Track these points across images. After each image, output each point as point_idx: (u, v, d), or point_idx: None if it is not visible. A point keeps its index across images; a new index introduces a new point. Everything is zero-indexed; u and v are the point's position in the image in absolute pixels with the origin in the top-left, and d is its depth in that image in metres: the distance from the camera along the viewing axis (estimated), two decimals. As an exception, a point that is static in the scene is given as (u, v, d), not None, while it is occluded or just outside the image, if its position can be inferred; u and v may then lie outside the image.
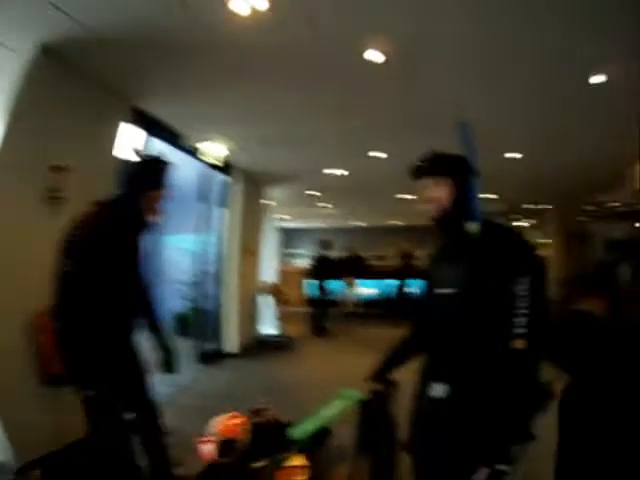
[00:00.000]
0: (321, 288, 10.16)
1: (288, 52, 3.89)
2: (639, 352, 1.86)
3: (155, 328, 2.62)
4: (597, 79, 4.41)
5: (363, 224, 18.45)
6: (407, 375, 1.97)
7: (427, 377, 1.75)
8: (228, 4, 3.04)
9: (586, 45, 3.74)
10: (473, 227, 1.69)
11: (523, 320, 1.46)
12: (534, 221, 17.80)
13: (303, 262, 13.70)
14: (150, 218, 2.40)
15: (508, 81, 4.57)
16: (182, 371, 2.62)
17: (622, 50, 3.82)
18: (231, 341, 7.58)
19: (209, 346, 7.18)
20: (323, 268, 10.29)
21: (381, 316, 11.67)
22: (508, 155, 7.26)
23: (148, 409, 2.53)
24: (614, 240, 12.11)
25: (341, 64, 4.17)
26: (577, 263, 18.26)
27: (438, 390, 1.64)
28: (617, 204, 14.17)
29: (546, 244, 18.80)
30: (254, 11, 3.13)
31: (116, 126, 4.31)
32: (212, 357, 7.04)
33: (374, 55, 3.91)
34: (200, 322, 7.11)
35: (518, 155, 7.34)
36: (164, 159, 2.49)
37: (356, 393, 2.05)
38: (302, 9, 3.25)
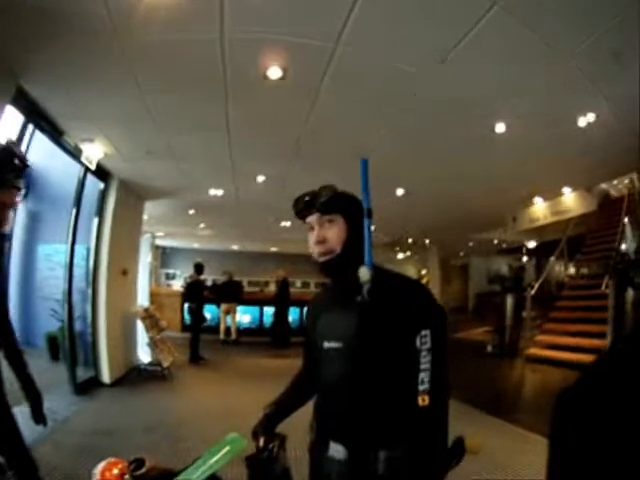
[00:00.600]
0: (196, 314, 9.57)
1: (189, 57, 3.58)
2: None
3: (17, 365, 2.12)
4: (499, 128, 4.90)
5: (240, 248, 18.30)
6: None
7: (323, 433, 1.57)
8: None
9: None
10: (366, 273, 1.46)
11: (427, 375, 1.35)
12: (413, 254, 18.69)
13: (179, 283, 12.95)
14: None
15: (403, 116, 4.69)
16: (56, 402, 2.06)
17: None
18: (104, 369, 6.72)
19: (82, 373, 6.31)
20: (197, 292, 9.70)
21: (260, 344, 11.59)
22: (399, 192, 7.47)
23: (19, 451, 2.10)
24: (496, 273, 13.14)
25: (244, 78, 3.92)
26: (457, 293, 19.78)
27: (337, 451, 1.48)
28: (497, 241, 15.55)
29: (426, 275, 19.85)
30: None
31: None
32: (87, 386, 6.22)
33: (275, 72, 3.77)
34: (72, 345, 6.16)
35: (401, 191, 7.59)
36: (13, 148, 1.89)
37: (243, 440, 1.68)
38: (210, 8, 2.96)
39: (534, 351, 8.92)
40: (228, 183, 7.69)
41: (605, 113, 4.73)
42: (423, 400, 1.33)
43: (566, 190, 9.14)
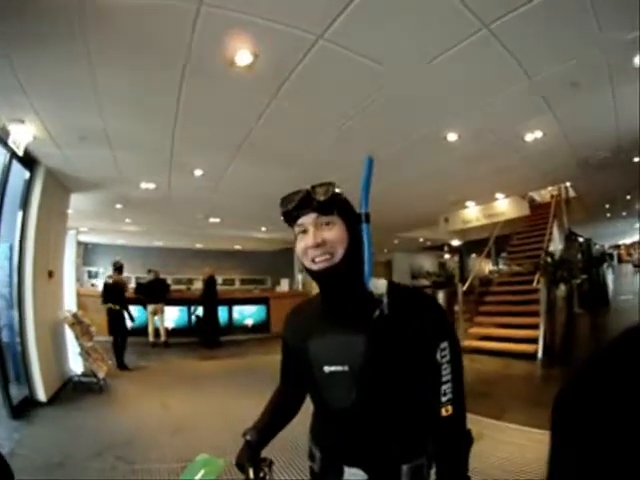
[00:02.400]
0: (119, 317, 8.85)
1: (155, 28, 3.18)
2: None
3: None
4: (451, 137, 5.26)
5: (165, 245, 17.69)
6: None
7: (332, 460, 1.42)
8: None
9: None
10: (382, 285, 1.36)
11: (449, 386, 1.30)
12: None
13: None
14: None
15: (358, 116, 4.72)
16: None
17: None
18: (38, 385, 5.94)
19: (16, 392, 5.56)
20: (118, 294, 8.97)
21: (190, 345, 11.27)
22: (337, 190, 7.52)
23: None
24: (419, 269, 14.41)
25: (208, 61, 3.64)
26: None
27: (355, 474, 1.36)
28: (422, 239, 16.12)
29: None
30: None
31: None
32: (23, 407, 5.51)
33: (244, 57, 3.54)
34: (1, 359, 5.36)
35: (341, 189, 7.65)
36: None
37: (218, 461, 1.62)
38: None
39: (469, 343, 9.24)
40: (162, 176, 7.27)
41: (552, 132, 5.27)
42: (447, 410, 1.29)
43: (499, 196, 9.97)
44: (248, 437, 1.52)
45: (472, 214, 10.96)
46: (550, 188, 11.05)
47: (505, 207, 10.45)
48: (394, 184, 7.36)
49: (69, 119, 4.83)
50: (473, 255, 12.86)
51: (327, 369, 1.38)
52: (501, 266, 12.90)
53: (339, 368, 1.36)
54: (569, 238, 10.98)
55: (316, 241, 1.32)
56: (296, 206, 1.37)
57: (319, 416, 1.49)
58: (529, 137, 5.42)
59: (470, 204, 10.62)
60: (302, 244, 1.36)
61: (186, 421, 5.37)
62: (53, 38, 3.24)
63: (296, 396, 1.65)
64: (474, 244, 13.20)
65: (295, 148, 5.76)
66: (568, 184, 10.01)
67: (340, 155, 5.81)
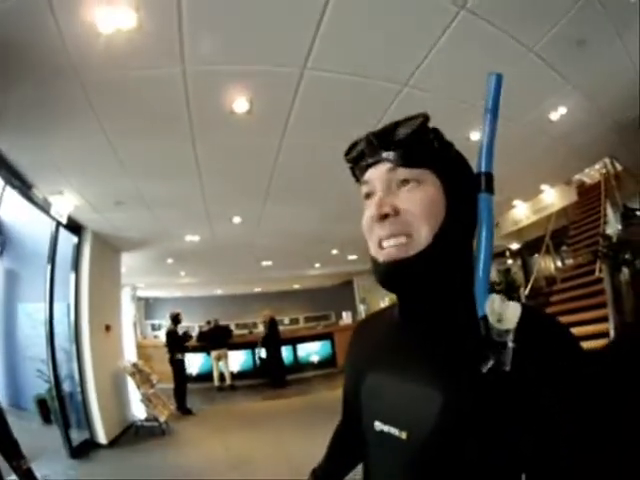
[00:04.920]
0: (180, 363, 9.24)
1: (152, 95, 3.42)
2: None
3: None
4: (474, 136, 4.68)
5: (224, 292, 18.12)
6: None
7: None
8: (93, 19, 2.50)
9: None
10: (506, 313, 0.69)
11: None
12: None
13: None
14: None
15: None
16: (52, 467, 1.83)
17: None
18: (99, 429, 6.35)
19: (77, 435, 5.94)
20: (173, 343, 9.37)
21: (256, 387, 11.26)
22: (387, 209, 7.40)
23: None
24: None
25: (209, 114, 3.80)
26: None
27: None
28: None
29: None
30: (119, 33, 2.64)
31: None
32: (83, 449, 5.85)
33: (241, 105, 3.66)
34: (62, 407, 5.81)
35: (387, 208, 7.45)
36: None
37: None
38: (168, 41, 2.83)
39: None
40: (203, 227, 7.51)
41: (576, 103, 4.74)
42: None
43: (544, 187, 9.20)
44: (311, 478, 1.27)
45: (521, 213, 10.35)
46: (597, 167, 10.05)
47: (552, 198, 9.77)
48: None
49: (102, 187, 5.23)
50: (535, 255, 12.08)
51: (378, 426, 0.86)
52: (566, 260, 12.09)
53: (393, 431, 0.82)
54: (626, 215, 9.58)
55: (381, 211, 0.80)
56: (359, 152, 0.88)
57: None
58: (554, 116, 4.91)
59: (517, 202, 9.95)
60: (366, 215, 0.85)
61: (246, 460, 5.44)
62: (70, 118, 3.61)
63: (357, 437, 1.00)
64: (533, 243, 12.38)
65: (320, 181, 5.76)
66: (608, 159, 9.27)
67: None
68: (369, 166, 0.85)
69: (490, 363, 0.68)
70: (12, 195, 4.61)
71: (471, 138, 4.57)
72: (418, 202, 0.78)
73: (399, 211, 0.79)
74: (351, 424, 1.05)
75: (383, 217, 0.79)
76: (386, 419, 0.84)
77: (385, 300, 20.94)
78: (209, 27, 2.79)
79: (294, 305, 19.95)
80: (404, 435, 0.79)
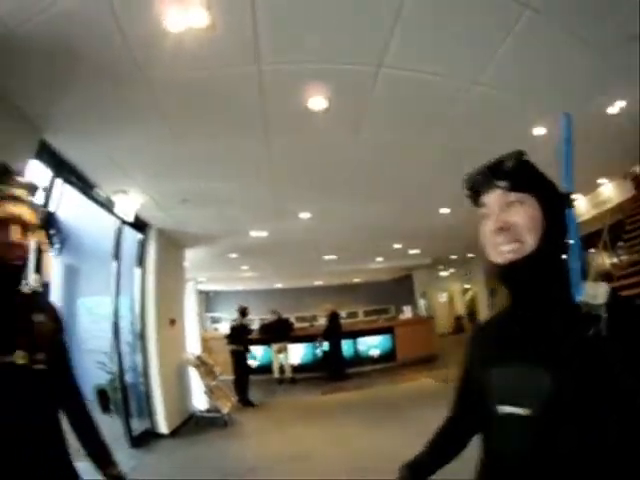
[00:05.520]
0: (242, 356, 9.45)
1: (225, 95, 3.43)
2: None
3: (88, 435, 1.75)
4: (538, 131, 4.60)
5: (284, 286, 18.28)
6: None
7: None
8: (161, 19, 2.50)
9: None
10: (602, 293, 0.93)
11: None
12: (456, 270, 18.32)
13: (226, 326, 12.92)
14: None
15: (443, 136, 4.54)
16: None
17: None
18: (161, 419, 6.58)
19: (137, 425, 6.20)
20: (240, 335, 9.58)
21: (316, 379, 11.35)
22: (442, 211, 7.46)
23: None
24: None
25: (285, 112, 3.78)
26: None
27: None
28: None
29: (470, 290, 19.36)
30: (189, 30, 2.62)
31: (23, 162, 3.44)
32: (144, 438, 6.09)
33: (317, 103, 3.62)
34: (124, 397, 6.08)
35: (447, 210, 7.46)
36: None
37: None
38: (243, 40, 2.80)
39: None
40: (270, 223, 7.61)
41: (633, 97, 4.53)
42: None
43: (602, 180, 9.04)
44: (401, 474, 1.37)
45: (580, 207, 9.94)
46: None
47: (610, 191, 9.55)
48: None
49: (168, 185, 5.37)
50: (592, 250, 11.56)
51: (501, 409, 1.04)
52: (622, 257, 11.56)
53: (517, 410, 1.00)
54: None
55: (497, 225, 1.05)
56: (475, 183, 1.14)
57: (488, 467, 1.14)
58: (611, 110, 4.79)
59: (575, 196, 9.64)
60: (485, 229, 1.11)
61: (304, 452, 5.50)
62: (137, 119, 3.71)
63: (466, 428, 1.33)
64: (591, 238, 11.86)
65: (387, 178, 5.75)
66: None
67: (434, 175, 5.71)
68: (482, 194, 1.12)
69: (592, 331, 0.90)
70: (71, 193, 4.76)
71: (534, 133, 4.52)
72: (525, 218, 1.04)
73: (511, 225, 1.04)
74: (462, 416, 1.35)
75: (500, 230, 1.05)
76: (511, 402, 1.02)
77: (443, 295, 20.70)
78: (284, 26, 2.77)
79: (353, 298, 19.96)
80: (527, 412, 0.97)
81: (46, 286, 1.60)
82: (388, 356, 12.81)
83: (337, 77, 3.32)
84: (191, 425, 7.31)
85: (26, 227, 1.49)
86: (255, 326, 12.21)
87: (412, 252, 12.10)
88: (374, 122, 4.08)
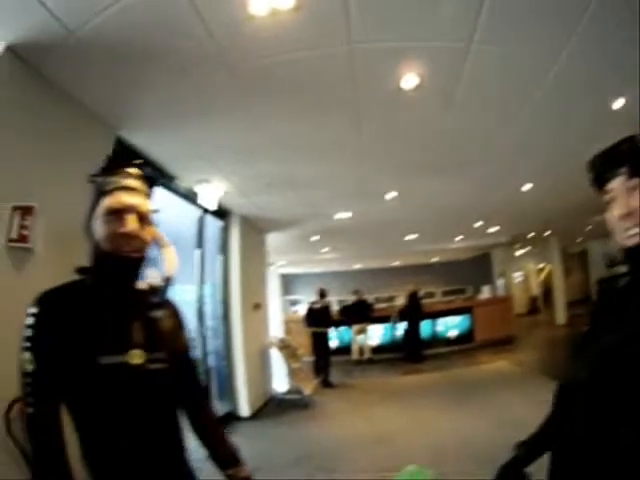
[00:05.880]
0: (323, 338, 9.57)
1: (313, 77, 3.34)
2: None
3: (216, 441, 1.69)
4: (617, 104, 4.32)
5: (362, 267, 18.25)
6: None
7: None
8: (244, 3, 2.44)
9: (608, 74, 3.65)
10: None
11: None
12: (531, 248, 17.57)
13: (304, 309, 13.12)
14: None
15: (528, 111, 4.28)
16: (194, 438, 1.75)
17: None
18: (242, 402, 6.83)
19: (219, 407, 6.41)
20: (320, 317, 9.67)
21: (393, 361, 11.35)
22: (524, 188, 7.15)
23: None
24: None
25: (377, 91, 3.64)
26: (578, 284, 18.10)
27: None
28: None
29: (545, 268, 18.59)
30: (274, 13, 2.53)
31: (100, 160, 3.59)
32: (225, 420, 6.32)
33: (410, 81, 3.45)
34: (207, 380, 6.35)
35: (529, 185, 7.09)
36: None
37: (426, 473, 1.51)
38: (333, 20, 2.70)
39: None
40: (355, 204, 7.55)
41: None
42: None
43: None
44: (516, 452, 1.40)
45: None
46: None
47: None
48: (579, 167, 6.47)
49: (252, 172, 5.39)
50: None
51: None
52: None
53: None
54: None
55: (623, 211, 1.08)
56: (598, 170, 1.17)
57: (560, 445, 1.20)
58: None
59: None
60: (611, 215, 1.14)
61: (385, 434, 5.52)
62: (219, 107, 3.68)
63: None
64: None
65: (473, 155, 5.52)
66: None
67: (518, 151, 5.44)
68: (607, 179, 1.13)
69: None
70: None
71: (613, 107, 4.32)
72: None
73: (635, 210, 1.05)
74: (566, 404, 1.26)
75: (626, 215, 1.07)
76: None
77: (519, 275, 19.93)
78: (374, 3, 2.64)
79: (431, 279, 19.59)
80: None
81: (167, 282, 1.51)
82: (466, 337, 12.57)
83: (428, 54, 3.18)
84: (272, 407, 7.50)
85: (143, 219, 1.41)
86: (335, 308, 12.31)
87: (491, 230, 11.71)
88: (463, 99, 3.90)
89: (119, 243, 1.34)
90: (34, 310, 1.31)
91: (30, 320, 1.30)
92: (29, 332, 1.29)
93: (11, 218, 2.59)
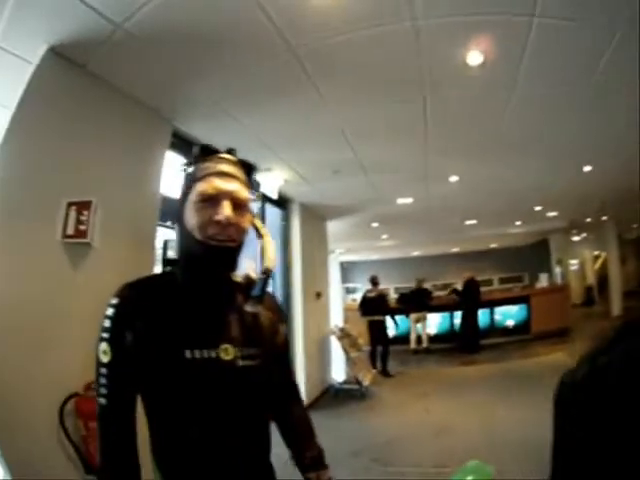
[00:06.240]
0: (381, 326, 9.51)
1: (377, 56, 3.22)
2: None
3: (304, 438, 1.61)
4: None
5: (420, 253, 18.04)
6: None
7: None
8: None
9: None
10: None
11: None
12: (587, 234, 16.84)
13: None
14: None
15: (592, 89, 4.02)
16: None
17: None
18: (302, 391, 6.77)
19: None
20: (376, 305, 9.58)
21: (450, 351, 11.23)
22: (585, 169, 6.78)
23: None
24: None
25: (442, 69, 3.51)
26: (634, 274, 17.11)
27: None
28: None
29: (600, 256, 17.75)
30: None
31: (160, 154, 3.62)
32: None
33: (474, 58, 3.29)
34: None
35: (589, 167, 6.75)
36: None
37: (487, 469, 1.44)
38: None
39: None
40: (418, 189, 7.39)
41: None
42: None
43: None
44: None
45: None
46: None
47: None
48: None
49: (315, 159, 5.36)
50: None
51: None
52: None
53: None
54: None
55: None
56: None
57: None
58: None
59: None
60: None
61: (442, 426, 5.46)
62: (283, 96, 3.68)
63: None
64: None
65: (536, 134, 5.28)
66: None
67: (580, 130, 5.13)
68: None
69: None
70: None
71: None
72: None
73: None
74: None
75: None
76: None
77: (574, 263, 19.00)
78: None
79: (489, 265, 19.10)
80: None
81: (266, 274, 1.35)
82: (522, 327, 12.14)
83: (492, 29, 3.04)
84: (329, 397, 7.52)
85: (239, 206, 1.30)
86: (393, 296, 12.18)
87: (550, 214, 11.27)
88: (527, 76, 3.71)
89: (213, 231, 1.24)
90: (115, 301, 1.26)
91: (110, 311, 1.26)
92: (108, 323, 1.25)
93: (66, 214, 2.63)
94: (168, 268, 1.41)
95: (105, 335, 1.25)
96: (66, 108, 2.79)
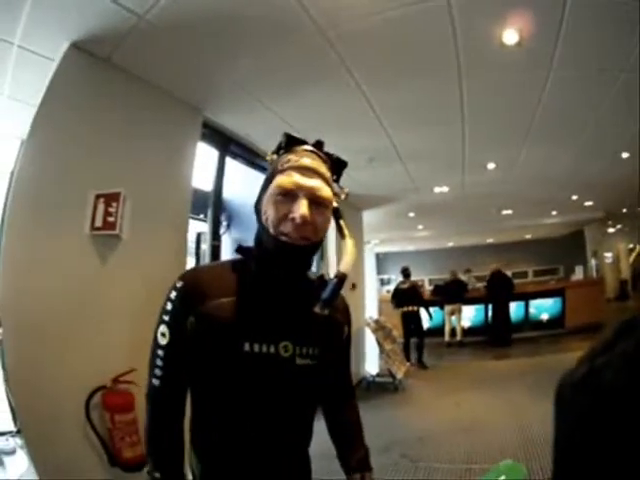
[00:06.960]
0: (415, 318, 9.47)
1: (411, 35, 3.09)
2: None
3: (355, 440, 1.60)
4: None
5: (457, 244, 17.83)
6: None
7: None
8: None
9: None
10: None
11: None
12: (622, 226, 16.33)
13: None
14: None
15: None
16: None
17: None
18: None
19: None
20: (409, 296, 9.50)
21: (483, 344, 11.10)
22: (623, 155, 6.45)
23: None
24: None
25: (478, 49, 3.35)
26: None
27: None
28: None
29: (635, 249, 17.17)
30: None
31: (191, 145, 3.61)
32: None
33: (510, 37, 3.13)
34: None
35: (626, 155, 6.43)
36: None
37: (521, 468, 1.41)
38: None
39: None
40: (455, 177, 7.21)
41: None
42: None
43: None
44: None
45: None
46: None
47: None
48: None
49: (350, 146, 5.07)
50: None
51: None
52: None
53: None
54: None
55: None
56: None
57: None
58: None
59: None
60: None
61: (474, 422, 5.38)
62: (316, 81, 3.58)
63: None
64: None
65: (573, 120, 5.10)
66: None
67: (616, 116, 4.84)
68: None
69: None
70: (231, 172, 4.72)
71: None
72: None
73: None
74: None
75: None
76: None
77: (609, 256, 18.32)
78: None
79: (523, 257, 18.77)
80: None
81: (340, 279, 1.25)
82: (556, 321, 11.85)
83: (528, 6, 2.88)
84: (362, 389, 7.46)
85: (319, 204, 1.24)
86: (428, 287, 12.05)
87: (587, 204, 10.92)
88: (562, 56, 3.52)
89: (287, 228, 1.20)
90: (179, 284, 1.26)
91: (173, 294, 1.25)
92: (170, 306, 1.25)
93: (94, 206, 2.64)
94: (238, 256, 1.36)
95: (165, 318, 1.25)
96: (91, 102, 2.79)
